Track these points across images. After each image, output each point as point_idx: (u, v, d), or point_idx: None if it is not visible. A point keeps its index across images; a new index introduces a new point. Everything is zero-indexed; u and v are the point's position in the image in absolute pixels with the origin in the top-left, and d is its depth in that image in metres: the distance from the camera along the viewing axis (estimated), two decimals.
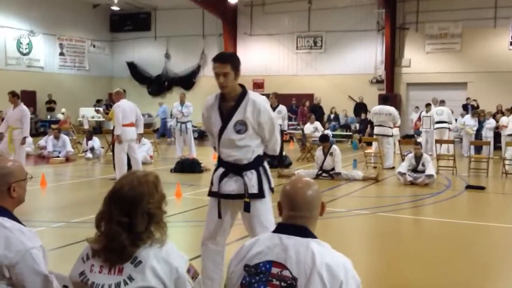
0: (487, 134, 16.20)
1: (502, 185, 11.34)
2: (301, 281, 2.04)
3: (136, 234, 2.17)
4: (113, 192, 2.24)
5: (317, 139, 15.06)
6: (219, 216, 4.01)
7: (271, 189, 3.97)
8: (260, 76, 25.81)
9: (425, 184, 10.37)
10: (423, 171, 10.55)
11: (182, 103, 14.42)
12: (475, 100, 20.44)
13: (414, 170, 10.71)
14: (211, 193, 4.06)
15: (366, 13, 23.63)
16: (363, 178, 11.10)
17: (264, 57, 25.81)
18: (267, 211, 3.91)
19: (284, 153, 13.07)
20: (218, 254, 4.12)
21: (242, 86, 3.92)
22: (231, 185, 3.92)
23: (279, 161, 12.77)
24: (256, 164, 3.95)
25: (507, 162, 12.37)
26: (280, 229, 2.21)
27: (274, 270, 2.10)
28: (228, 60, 3.80)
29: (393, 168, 12.60)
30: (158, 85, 28.04)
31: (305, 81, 24.81)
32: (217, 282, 4.10)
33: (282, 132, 12.94)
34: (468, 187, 10.34)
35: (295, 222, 2.19)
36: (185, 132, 14.23)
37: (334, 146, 11.62)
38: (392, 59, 23.35)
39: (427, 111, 17.56)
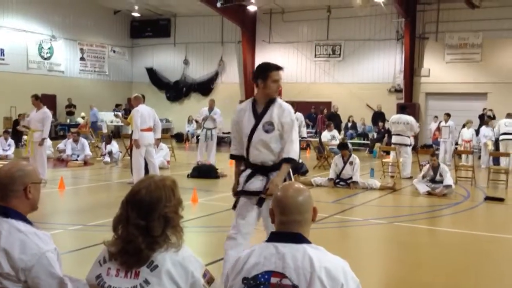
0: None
1: None
2: (302, 287, 2.03)
3: (152, 238, 2.19)
4: (130, 195, 2.26)
5: (334, 147, 15.02)
6: (233, 208, 4.43)
7: None
8: None
9: (443, 195, 10.25)
10: (441, 182, 10.44)
11: (211, 109, 14.39)
12: (491, 110, 20.18)
13: (432, 180, 10.61)
14: (238, 192, 4.43)
15: (386, 22, 23.55)
16: (380, 187, 11.02)
17: (282, 64, 25.19)
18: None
19: (300, 161, 13.05)
20: (241, 247, 4.23)
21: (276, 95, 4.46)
22: (257, 184, 4.33)
23: (295, 169, 12.75)
24: (280, 166, 4.30)
25: None
26: (274, 237, 2.20)
27: (274, 280, 2.08)
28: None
29: (410, 177, 12.49)
30: (176, 91, 28.22)
31: (323, 89, 24.76)
32: None
33: (300, 139, 12.91)
34: (487, 198, 10.21)
35: (288, 229, 2.18)
36: (210, 139, 14.20)
37: (354, 156, 11.56)
38: (411, 69, 23.20)
39: (445, 121, 17.43)
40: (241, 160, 4.60)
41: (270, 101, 4.39)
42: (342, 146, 11.83)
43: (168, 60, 28.61)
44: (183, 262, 2.20)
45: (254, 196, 4.30)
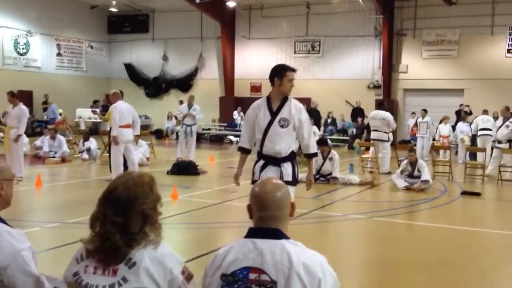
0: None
1: (498, 191, 11.37)
2: (280, 283, 2.04)
3: (130, 235, 2.16)
4: (107, 192, 2.24)
5: None
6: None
7: (297, 180, 5.01)
8: (258, 79, 25.81)
9: (421, 190, 10.37)
10: (418, 177, 10.56)
11: (190, 105, 14.33)
12: (467, 106, 20.49)
13: (410, 175, 10.73)
14: (254, 182, 4.91)
15: (364, 19, 23.70)
16: (359, 183, 11.11)
17: (262, 60, 25.80)
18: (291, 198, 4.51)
19: None
20: None
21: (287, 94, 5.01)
22: (271, 173, 4.84)
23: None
24: (290, 157, 4.98)
25: (502, 168, 12.40)
26: (253, 233, 2.19)
27: (252, 276, 2.08)
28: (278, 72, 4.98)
29: (389, 173, 12.62)
30: (155, 87, 28.06)
31: (303, 85, 24.74)
32: None
33: None
34: (464, 193, 10.36)
35: (266, 224, 2.18)
36: (190, 135, 14.14)
37: (334, 151, 11.63)
38: (390, 65, 23.41)
39: (423, 117, 17.62)
40: (247, 153, 5.20)
41: (285, 99, 4.96)
42: (322, 142, 11.87)
43: (146, 56, 28.40)
44: (161, 259, 2.18)
45: None
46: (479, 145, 14.61)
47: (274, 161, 4.94)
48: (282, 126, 4.88)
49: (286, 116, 4.89)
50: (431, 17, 22.68)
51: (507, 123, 12.66)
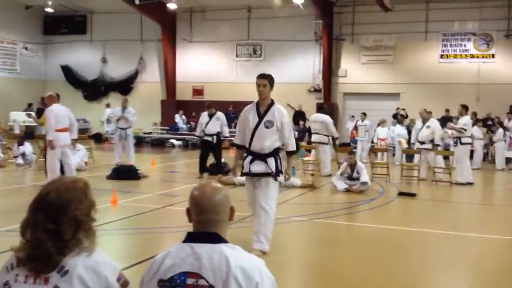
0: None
1: (432, 192, 11.80)
2: (218, 287, 2.03)
3: (62, 242, 2.09)
4: (39, 198, 2.15)
5: None
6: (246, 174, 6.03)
7: (280, 171, 5.95)
8: (200, 83, 25.73)
9: (360, 191, 10.62)
10: (357, 179, 10.81)
11: (124, 108, 14.07)
12: (403, 109, 21.21)
13: (350, 177, 10.97)
14: (243, 174, 6.00)
15: (304, 24, 24.07)
16: (301, 185, 11.24)
17: (204, 64, 25.76)
18: (275, 189, 5.95)
19: (223, 160, 13.05)
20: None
21: (272, 99, 5.95)
22: (258, 167, 5.86)
23: (218, 169, 12.74)
24: (274, 153, 5.92)
25: (437, 170, 12.88)
26: (191, 238, 2.17)
27: (190, 281, 2.06)
28: (266, 77, 5.94)
29: (330, 175, 12.84)
30: (94, 89, 27.42)
31: (245, 89, 24.83)
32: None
33: (221, 139, 12.92)
34: (400, 194, 10.69)
35: (205, 228, 2.17)
36: (124, 139, 13.90)
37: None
38: (329, 69, 23.88)
39: (362, 120, 18.07)
40: (241, 149, 6.13)
41: (271, 104, 5.91)
42: None
43: (84, 58, 27.70)
44: (96, 267, 2.12)
45: (255, 176, 5.87)
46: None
47: (260, 156, 5.88)
48: (267, 127, 5.84)
49: (271, 118, 5.84)
50: (369, 23, 23.32)
51: (427, 124, 13.16)
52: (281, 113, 5.88)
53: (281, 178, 6.03)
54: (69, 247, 2.10)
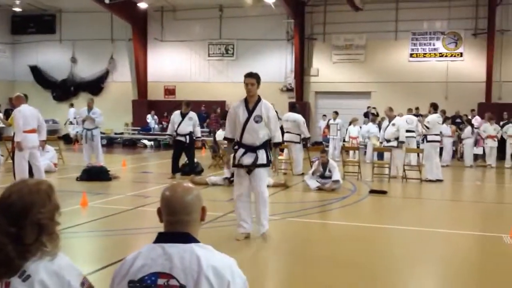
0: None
1: (402, 189, 11.95)
2: (189, 287, 2.02)
3: (24, 246, 2.03)
4: (0, 200, 2.09)
5: None
6: (231, 177, 6.94)
7: (270, 162, 6.55)
8: (172, 82, 25.56)
9: (332, 190, 10.70)
10: (329, 177, 10.89)
11: (90, 109, 13.91)
12: (374, 108, 21.46)
13: (322, 176, 11.03)
14: (235, 165, 6.53)
15: (276, 23, 24.13)
16: (273, 185, 11.23)
17: (176, 63, 25.60)
18: (265, 175, 6.77)
19: (196, 160, 12.99)
20: (247, 203, 6.63)
21: (258, 95, 6.52)
22: (249, 159, 6.42)
23: (191, 168, 12.68)
24: (264, 146, 6.50)
25: (407, 167, 13.06)
26: (162, 238, 2.16)
27: (160, 282, 2.04)
28: (254, 76, 6.50)
29: (302, 174, 12.89)
30: (63, 90, 27.01)
31: (217, 88, 24.86)
32: (249, 223, 6.63)
33: (194, 139, 12.85)
34: (372, 191, 10.81)
35: (176, 229, 2.16)
36: (91, 140, 13.75)
37: None
38: (301, 68, 23.98)
39: (334, 119, 18.20)
40: (232, 141, 6.65)
41: (258, 101, 6.45)
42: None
43: (54, 57, 27.24)
44: (58, 271, 2.08)
45: (247, 167, 6.42)
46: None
47: (251, 148, 6.43)
48: (256, 122, 6.39)
49: (259, 113, 6.39)
50: (340, 23, 23.51)
51: (392, 122, 13.36)
52: (267, 108, 6.47)
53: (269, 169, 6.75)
54: (31, 251, 2.05)
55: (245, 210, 6.60)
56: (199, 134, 12.92)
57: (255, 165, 6.41)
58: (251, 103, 6.45)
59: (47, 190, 2.16)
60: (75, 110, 14.59)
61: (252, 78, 6.42)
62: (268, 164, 6.52)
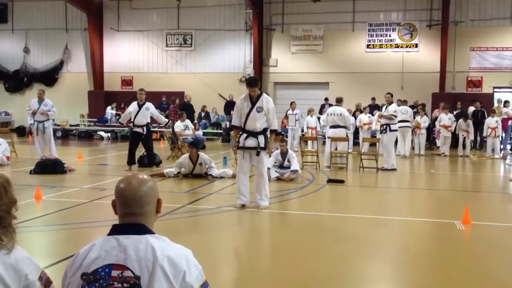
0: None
1: (359, 178, 12.14)
2: (144, 278, 2.01)
3: None
4: None
5: (188, 137, 15.02)
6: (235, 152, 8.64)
7: (266, 145, 7.88)
8: (129, 73, 25.17)
9: (290, 179, 10.77)
10: (288, 167, 10.94)
11: (40, 100, 13.54)
12: (327, 99, 21.66)
13: (281, 166, 11.08)
14: (239, 147, 7.94)
15: (235, 13, 24.04)
16: (233, 176, 11.19)
17: (133, 53, 25.21)
18: (266, 157, 8.12)
19: (154, 152, 12.83)
20: (246, 180, 8.06)
21: (260, 89, 8.02)
22: (251, 142, 7.82)
23: (150, 160, 12.52)
24: (263, 132, 7.87)
25: (364, 157, 13.27)
26: (116, 230, 2.14)
27: (115, 273, 2.03)
28: (255, 85, 7.82)
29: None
30: (16, 81, 26.26)
31: (175, 79, 24.63)
32: (247, 197, 8.04)
33: (151, 130, 12.69)
34: (329, 181, 10.94)
35: (130, 220, 2.14)
36: (42, 132, 13.41)
37: (204, 156, 11.30)
38: (260, 59, 24.00)
39: (292, 109, 18.29)
40: (238, 129, 8.05)
41: (259, 95, 7.84)
42: (192, 145, 11.76)
43: (5, 48, 26.42)
44: (15, 265, 2.04)
45: (250, 150, 7.82)
46: (398, 136, 15.24)
47: (253, 134, 7.80)
48: (258, 112, 7.75)
49: (261, 105, 7.75)
50: (298, 13, 23.62)
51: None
52: (268, 101, 7.83)
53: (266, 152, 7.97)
54: None
55: (244, 186, 7.94)
56: (164, 120, 13.56)
57: (258, 147, 7.75)
58: (253, 98, 7.81)
59: (3, 184, 2.12)
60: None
61: (255, 87, 7.77)
62: (265, 147, 7.82)
